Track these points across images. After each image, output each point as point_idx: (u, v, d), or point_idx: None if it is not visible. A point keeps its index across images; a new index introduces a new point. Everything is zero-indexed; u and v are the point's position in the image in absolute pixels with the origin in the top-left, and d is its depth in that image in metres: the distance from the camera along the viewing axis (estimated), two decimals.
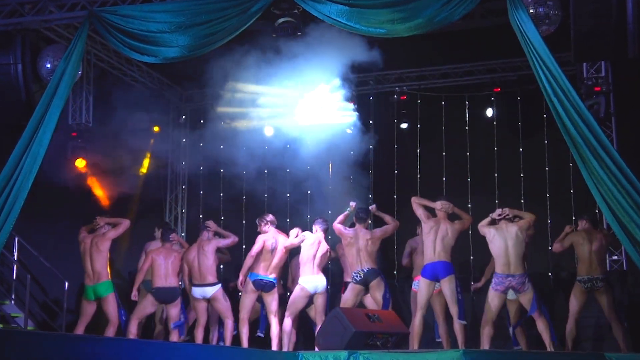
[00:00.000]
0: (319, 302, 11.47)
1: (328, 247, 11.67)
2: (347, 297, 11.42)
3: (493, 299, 10.53)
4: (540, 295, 10.78)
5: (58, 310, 13.03)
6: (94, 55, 13.47)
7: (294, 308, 11.49)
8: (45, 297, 13.21)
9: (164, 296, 11.63)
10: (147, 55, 11.14)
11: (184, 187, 16.14)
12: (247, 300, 11.62)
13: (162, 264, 11.62)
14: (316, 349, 10.45)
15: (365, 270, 11.32)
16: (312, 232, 11.77)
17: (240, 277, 11.55)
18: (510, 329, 11.17)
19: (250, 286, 11.54)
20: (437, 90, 14.65)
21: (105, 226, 11.94)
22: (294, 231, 11.76)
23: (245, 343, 11.47)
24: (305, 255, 11.51)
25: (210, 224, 12.13)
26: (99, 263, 11.66)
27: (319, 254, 11.51)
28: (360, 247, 11.40)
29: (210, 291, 11.66)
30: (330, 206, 13.75)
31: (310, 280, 11.40)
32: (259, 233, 11.81)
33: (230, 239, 12.02)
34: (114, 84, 14.13)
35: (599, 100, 11.79)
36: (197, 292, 11.70)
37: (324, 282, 11.48)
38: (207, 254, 11.74)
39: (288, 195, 14.15)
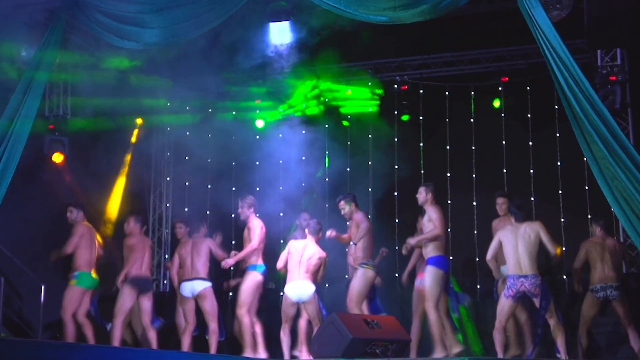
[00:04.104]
0: (310, 310, 11.47)
1: (317, 250, 11.57)
2: None
3: (504, 305, 10.48)
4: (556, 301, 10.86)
5: (34, 316, 13.07)
6: (72, 42, 13.50)
7: (284, 316, 11.53)
8: (20, 302, 13.26)
9: (140, 285, 11.89)
10: (127, 40, 11.20)
11: (168, 179, 16.20)
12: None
13: (139, 254, 11.95)
14: (311, 356, 10.52)
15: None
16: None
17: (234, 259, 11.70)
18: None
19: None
20: (440, 80, 14.70)
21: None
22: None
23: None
24: (290, 262, 11.55)
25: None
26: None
27: (304, 259, 11.44)
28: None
29: (199, 286, 11.73)
30: (326, 202, 13.85)
31: (294, 286, 11.39)
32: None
33: (220, 256, 12.06)
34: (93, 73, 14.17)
35: (614, 90, 11.87)
36: (186, 288, 11.78)
37: (309, 290, 11.44)
38: (200, 253, 11.88)
39: (280, 188, 14.19)
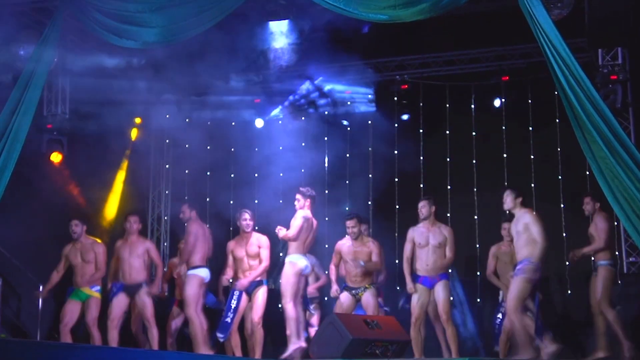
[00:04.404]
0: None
1: (316, 223, 11.49)
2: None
3: (526, 289, 10.26)
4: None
5: (32, 316, 13.07)
6: (70, 41, 13.51)
7: (292, 288, 11.08)
8: (18, 302, 13.26)
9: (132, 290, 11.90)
10: (126, 39, 11.22)
11: (166, 179, 16.19)
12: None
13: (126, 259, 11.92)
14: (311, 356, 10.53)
15: None
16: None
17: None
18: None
19: None
20: (441, 79, 14.66)
21: None
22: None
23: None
24: (301, 235, 11.37)
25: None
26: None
27: (310, 238, 11.32)
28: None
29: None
30: (326, 203, 13.84)
31: (300, 258, 11.17)
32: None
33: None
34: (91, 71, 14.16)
35: (615, 90, 11.87)
36: (206, 273, 11.82)
37: (309, 264, 11.40)
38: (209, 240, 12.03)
39: (279, 188, 14.19)
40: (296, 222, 11.09)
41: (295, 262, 11.08)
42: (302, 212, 11.17)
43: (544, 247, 10.19)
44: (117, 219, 14.65)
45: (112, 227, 14.69)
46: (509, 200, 10.53)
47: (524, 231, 10.31)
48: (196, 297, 11.57)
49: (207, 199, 15.18)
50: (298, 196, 11.33)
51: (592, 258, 11.45)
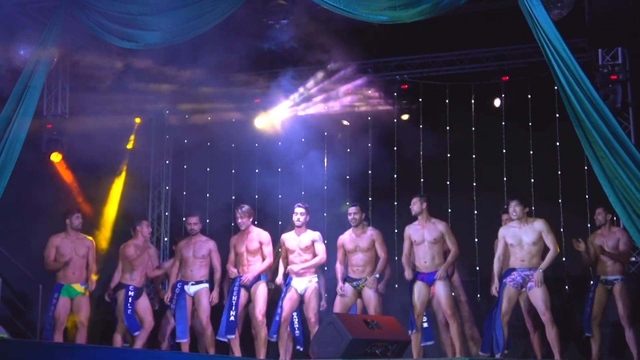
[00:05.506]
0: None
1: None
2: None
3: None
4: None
5: (32, 316, 13.07)
6: (71, 41, 13.52)
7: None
8: (18, 302, 13.26)
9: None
10: (128, 40, 11.24)
11: (167, 187, 16.20)
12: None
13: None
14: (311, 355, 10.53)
15: None
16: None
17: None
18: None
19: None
20: (441, 79, 14.67)
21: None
22: None
23: None
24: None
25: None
26: None
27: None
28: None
29: None
30: (325, 203, 13.83)
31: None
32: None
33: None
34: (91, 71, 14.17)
35: (615, 90, 11.87)
36: None
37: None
38: None
39: (280, 196, 14.20)
40: (322, 245, 11.57)
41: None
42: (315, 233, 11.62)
43: None
44: (117, 219, 14.66)
45: (112, 227, 14.70)
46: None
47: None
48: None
49: (208, 198, 15.21)
50: (302, 210, 11.56)
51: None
